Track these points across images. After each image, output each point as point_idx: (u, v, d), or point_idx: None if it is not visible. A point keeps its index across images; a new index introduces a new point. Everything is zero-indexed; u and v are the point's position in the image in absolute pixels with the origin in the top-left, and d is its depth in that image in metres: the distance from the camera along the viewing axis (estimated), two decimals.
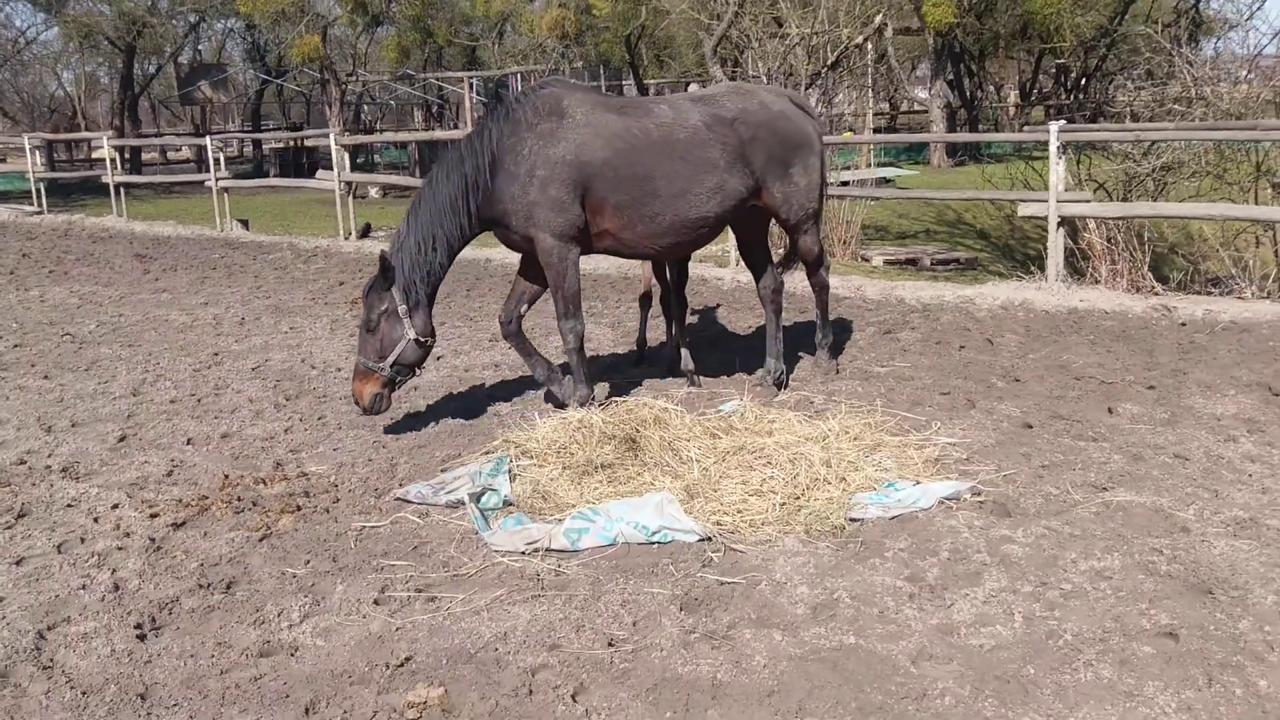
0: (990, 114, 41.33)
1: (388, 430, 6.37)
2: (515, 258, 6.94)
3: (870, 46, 23.46)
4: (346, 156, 16.21)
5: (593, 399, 6.45)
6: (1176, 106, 12.74)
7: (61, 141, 31.36)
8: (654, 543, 4.62)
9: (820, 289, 7.71)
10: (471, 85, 32.36)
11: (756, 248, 7.48)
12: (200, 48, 41.17)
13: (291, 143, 32.55)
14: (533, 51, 33.92)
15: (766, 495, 5.03)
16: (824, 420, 5.91)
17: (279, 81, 38.39)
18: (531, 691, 3.45)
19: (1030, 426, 6.17)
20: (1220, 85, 12.86)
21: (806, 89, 15.50)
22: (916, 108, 40.31)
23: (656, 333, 8.31)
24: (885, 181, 20.03)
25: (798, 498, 5.02)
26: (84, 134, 31.30)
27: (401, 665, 3.61)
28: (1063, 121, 11.34)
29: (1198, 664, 3.58)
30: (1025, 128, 24.63)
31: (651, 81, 37.11)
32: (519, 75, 33.08)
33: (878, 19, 20.98)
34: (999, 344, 8.26)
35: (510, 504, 5.11)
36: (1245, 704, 3.35)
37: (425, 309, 6.33)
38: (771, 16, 17.84)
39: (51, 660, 3.69)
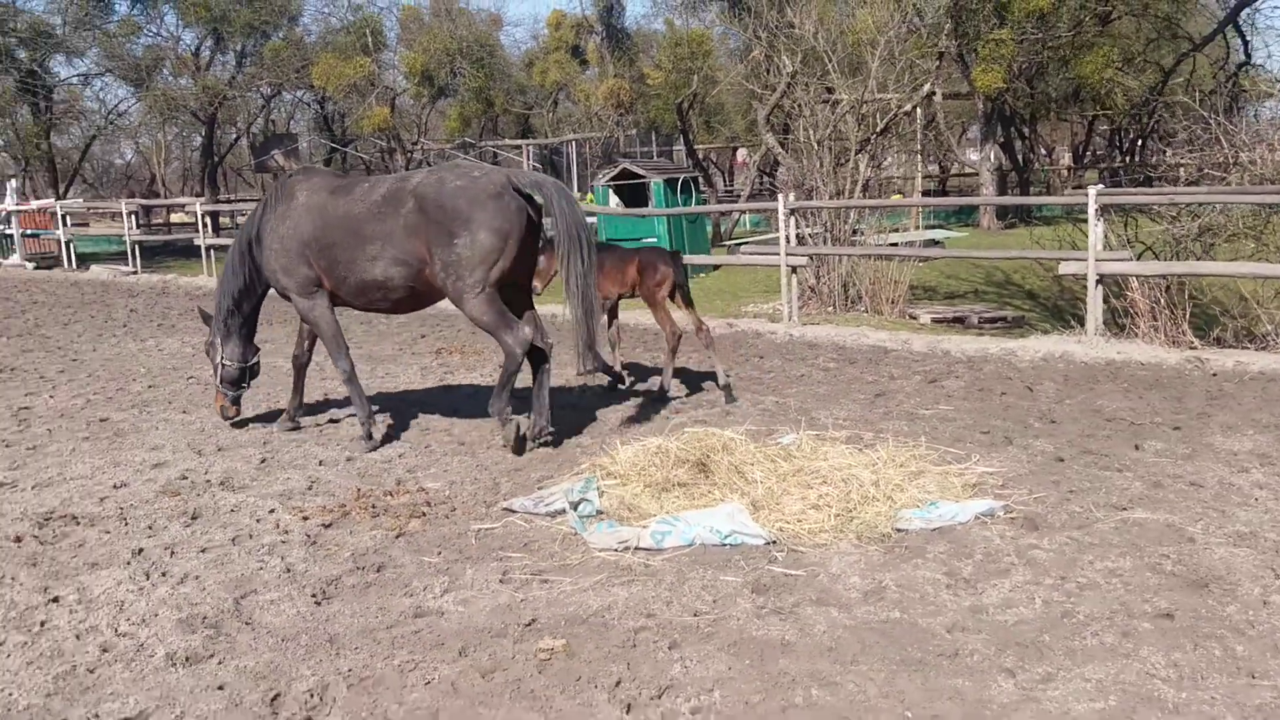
0: (1042, 176, 41.94)
1: (487, 457, 7.24)
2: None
3: (919, 112, 24.34)
4: None
5: (373, 421, 7.83)
6: (1214, 172, 13.41)
7: (144, 207, 33.13)
8: (726, 544, 5.42)
9: (508, 357, 7.39)
10: (528, 152, 33.69)
11: (510, 301, 7.57)
12: (273, 118, 43.13)
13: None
14: (587, 119, 35.12)
15: (823, 509, 5.81)
16: (873, 451, 6.70)
17: (346, 149, 40.11)
18: (635, 645, 4.27)
19: (1062, 460, 6.87)
20: (1257, 150, 13.46)
21: (856, 154, 16.32)
22: (967, 170, 41.05)
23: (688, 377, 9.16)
24: (934, 243, 20.83)
25: (850, 511, 5.80)
26: (178, 199, 33.07)
27: (529, 625, 4.46)
28: (1101, 185, 12.11)
29: (1188, 636, 4.31)
30: (1074, 190, 25.33)
31: (701, 146, 38.25)
32: (573, 142, 34.40)
33: (927, 86, 21.89)
34: (1038, 391, 8.98)
35: (601, 513, 5.95)
36: (1223, 661, 4.08)
37: (236, 341, 8.32)
38: (823, 85, 18.74)
39: (251, 618, 4.58)
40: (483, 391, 9.42)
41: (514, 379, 7.41)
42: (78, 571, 5.17)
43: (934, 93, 25.54)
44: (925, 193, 32.31)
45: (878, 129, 17.15)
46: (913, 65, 21.03)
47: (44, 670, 4.15)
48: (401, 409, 8.79)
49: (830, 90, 17.98)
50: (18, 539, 5.66)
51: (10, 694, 3.96)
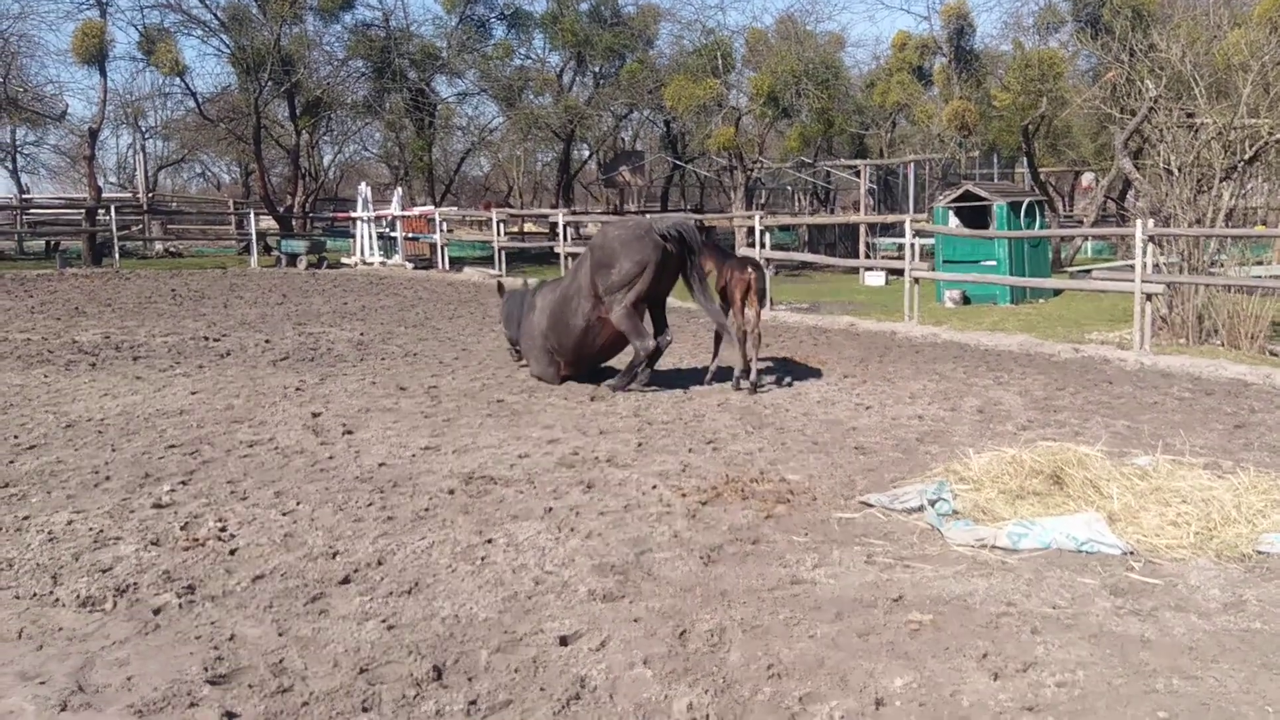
0: None
1: (841, 457, 7.75)
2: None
3: None
4: (769, 236, 18.14)
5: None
6: None
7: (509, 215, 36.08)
8: (1082, 550, 5.66)
9: (636, 353, 10.42)
10: (866, 173, 33.85)
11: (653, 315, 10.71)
12: (621, 136, 45.70)
13: (698, 223, 35.87)
14: (928, 140, 34.77)
15: (1181, 526, 5.91)
16: (1233, 477, 6.67)
17: (688, 166, 41.80)
18: (998, 627, 4.64)
19: None
20: None
21: (1221, 181, 15.59)
22: None
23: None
24: None
25: (1210, 531, 5.87)
26: (542, 210, 35.87)
27: (896, 600, 4.93)
28: None
29: None
30: None
31: (1044, 169, 37.01)
32: (913, 164, 34.26)
33: None
34: None
35: (956, 513, 6.31)
36: None
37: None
38: (1184, 110, 17.93)
39: (651, 571, 5.32)
40: (829, 397, 9.96)
41: (638, 371, 10.38)
42: (502, 521, 6.13)
43: None
44: None
45: (1246, 156, 16.27)
46: None
47: (492, 594, 5.03)
48: (755, 410, 9.46)
49: (1191, 115, 17.20)
50: (451, 491, 6.73)
51: (470, 608, 4.86)
